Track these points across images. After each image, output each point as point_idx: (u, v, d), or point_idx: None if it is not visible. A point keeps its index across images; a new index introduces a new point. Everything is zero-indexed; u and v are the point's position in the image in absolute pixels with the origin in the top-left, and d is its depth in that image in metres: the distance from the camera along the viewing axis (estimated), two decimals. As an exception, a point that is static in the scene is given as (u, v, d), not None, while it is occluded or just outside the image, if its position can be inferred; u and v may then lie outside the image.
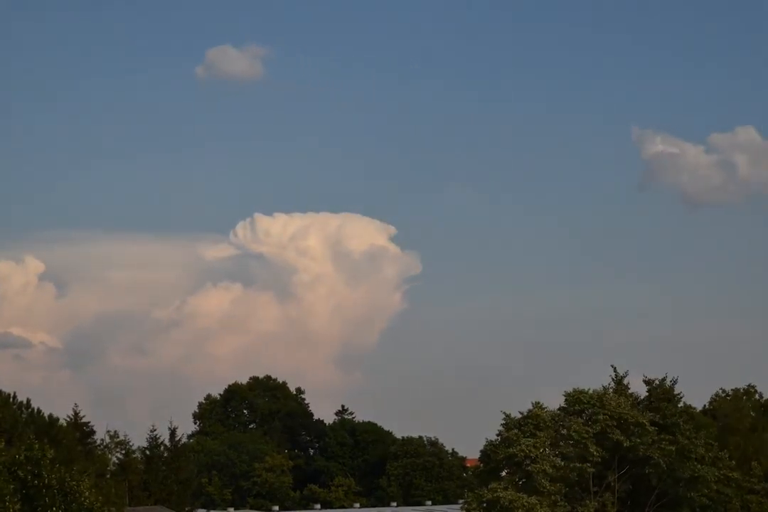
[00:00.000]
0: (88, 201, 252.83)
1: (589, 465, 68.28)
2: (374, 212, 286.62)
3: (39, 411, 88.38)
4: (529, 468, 67.26)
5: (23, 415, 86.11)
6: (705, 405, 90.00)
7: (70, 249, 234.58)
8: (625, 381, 75.80)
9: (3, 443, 40.86)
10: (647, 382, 75.93)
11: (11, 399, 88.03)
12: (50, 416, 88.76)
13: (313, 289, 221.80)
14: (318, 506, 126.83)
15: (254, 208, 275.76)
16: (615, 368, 76.03)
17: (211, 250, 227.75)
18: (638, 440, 68.99)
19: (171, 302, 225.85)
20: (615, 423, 69.07)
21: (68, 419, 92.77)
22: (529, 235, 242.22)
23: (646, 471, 69.72)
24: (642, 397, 76.30)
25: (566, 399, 71.54)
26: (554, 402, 73.06)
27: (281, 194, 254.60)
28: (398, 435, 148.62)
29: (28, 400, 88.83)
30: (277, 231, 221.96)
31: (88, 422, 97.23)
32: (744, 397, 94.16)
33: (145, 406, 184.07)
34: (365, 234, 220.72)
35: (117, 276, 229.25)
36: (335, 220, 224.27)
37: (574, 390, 71.56)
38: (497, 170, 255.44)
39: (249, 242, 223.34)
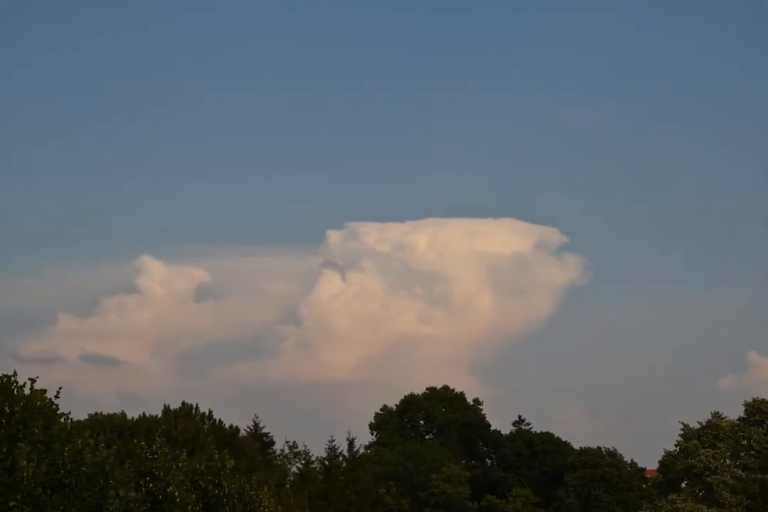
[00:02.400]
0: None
1: (769, 476, 66.95)
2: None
3: (221, 422, 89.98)
4: (709, 479, 66.23)
5: (205, 426, 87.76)
6: None
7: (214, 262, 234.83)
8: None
9: (185, 453, 41.70)
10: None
11: (193, 411, 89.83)
12: (231, 427, 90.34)
13: (464, 296, 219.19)
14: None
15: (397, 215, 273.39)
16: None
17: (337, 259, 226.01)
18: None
19: (316, 312, 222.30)
20: (798, 434, 67.60)
21: (248, 430, 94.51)
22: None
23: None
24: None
25: (746, 409, 70.17)
26: (734, 412, 71.79)
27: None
28: (575, 445, 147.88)
29: (210, 411, 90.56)
30: (419, 237, 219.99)
31: (268, 433, 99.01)
32: None
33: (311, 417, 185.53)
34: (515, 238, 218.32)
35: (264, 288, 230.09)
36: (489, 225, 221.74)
37: (754, 400, 70.16)
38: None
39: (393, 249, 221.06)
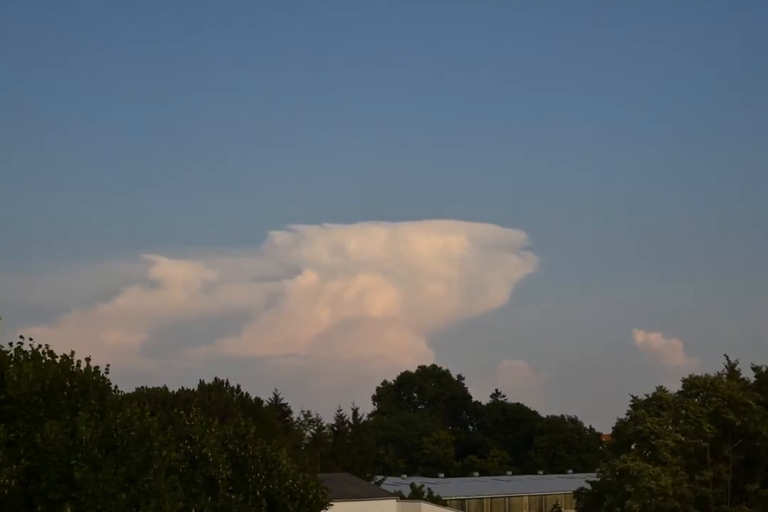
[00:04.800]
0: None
1: (702, 440, 67.01)
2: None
3: (247, 394, 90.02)
4: (654, 442, 66.29)
5: (234, 398, 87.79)
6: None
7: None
8: (737, 368, 74.08)
9: (217, 420, 41.78)
10: (754, 369, 74.06)
11: (224, 385, 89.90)
12: (256, 399, 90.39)
13: (432, 286, 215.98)
14: (476, 473, 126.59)
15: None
16: (728, 357, 74.63)
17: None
18: (747, 418, 67.46)
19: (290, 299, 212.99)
20: (727, 404, 67.64)
21: (269, 401, 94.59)
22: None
23: (756, 444, 68.10)
24: (752, 382, 74.38)
25: (683, 384, 70.29)
26: (674, 386, 71.91)
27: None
28: (543, 414, 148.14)
29: (238, 386, 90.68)
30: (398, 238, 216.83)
31: (286, 403, 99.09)
32: None
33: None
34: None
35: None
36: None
37: (691, 376, 70.32)
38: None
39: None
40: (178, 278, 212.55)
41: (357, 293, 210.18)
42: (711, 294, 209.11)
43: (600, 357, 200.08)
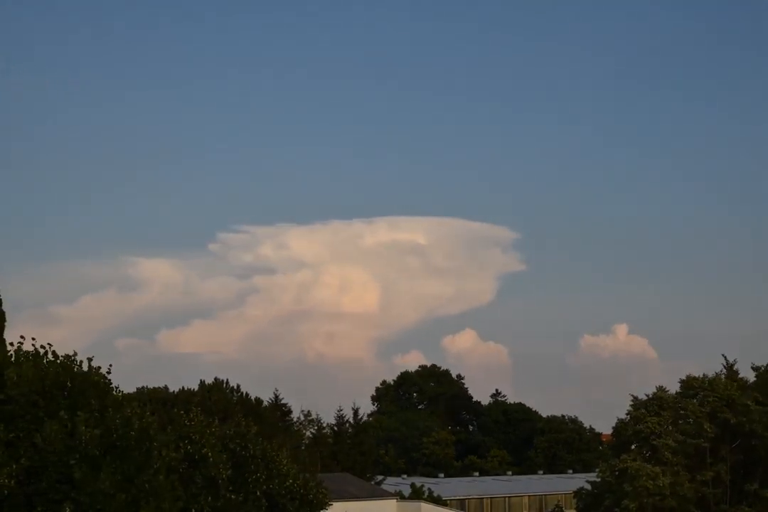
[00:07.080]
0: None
1: (702, 440, 66.98)
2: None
3: (247, 394, 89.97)
4: (655, 442, 66.34)
5: (234, 398, 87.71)
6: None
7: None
8: (735, 368, 74.03)
9: (217, 421, 41.79)
10: (754, 369, 74.05)
11: (224, 385, 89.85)
12: (256, 398, 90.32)
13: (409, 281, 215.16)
14: (477, 473, 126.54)
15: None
16: (725, 357, 74.58)
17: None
18: (744, 418, 67.45)
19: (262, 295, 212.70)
20: (724, 404, 67.64)
21: (270, 401, 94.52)
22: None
23: (753, 443, 68.07)
24: (751, 381, 74.36)
25: (681, 385, 70.34)
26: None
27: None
28: (543, 414, 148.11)
29: (238, 385, 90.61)
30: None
31: (287, 403, 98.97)
32: None
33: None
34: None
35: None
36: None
37: (688, 377, 70.36)
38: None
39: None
40: (141, 278, 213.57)
41: (325, 290, 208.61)
42: (691, 294, 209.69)
43: (577, 356, 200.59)
